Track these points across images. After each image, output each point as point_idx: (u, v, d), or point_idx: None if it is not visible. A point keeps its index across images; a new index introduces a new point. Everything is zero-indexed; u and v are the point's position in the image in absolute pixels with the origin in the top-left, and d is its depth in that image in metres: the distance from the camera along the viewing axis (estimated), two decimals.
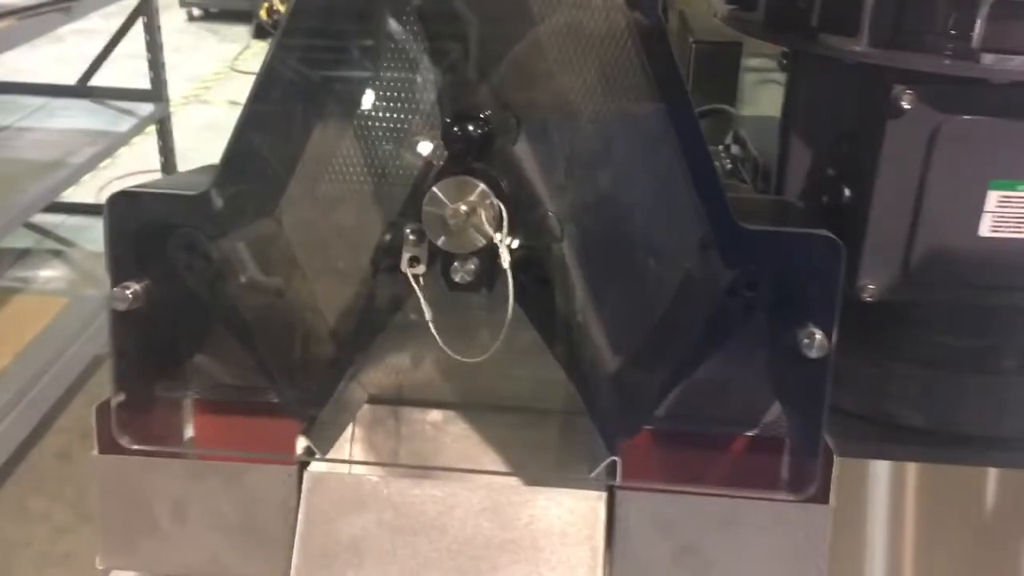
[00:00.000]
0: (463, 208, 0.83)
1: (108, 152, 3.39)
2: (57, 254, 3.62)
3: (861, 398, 1.15)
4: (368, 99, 0.95)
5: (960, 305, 1.10)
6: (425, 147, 0.91)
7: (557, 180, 0.94)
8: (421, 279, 0.89)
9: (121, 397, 0.94)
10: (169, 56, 3.85)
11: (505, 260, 0.84)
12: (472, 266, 0.87)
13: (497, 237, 0.84)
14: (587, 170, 0.95)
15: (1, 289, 3.29)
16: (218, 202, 0.91)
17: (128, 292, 0.90)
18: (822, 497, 0.90)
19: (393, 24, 0.93)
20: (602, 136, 0.93)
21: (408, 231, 0.88)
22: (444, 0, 0.89)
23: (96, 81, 3.81)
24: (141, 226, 0.91)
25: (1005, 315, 1.13)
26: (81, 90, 3.76)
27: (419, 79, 0.92)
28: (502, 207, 0.84)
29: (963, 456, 1.12)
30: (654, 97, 0.88)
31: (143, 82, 3.67)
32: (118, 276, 0.91)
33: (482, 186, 0.84)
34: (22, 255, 3.58)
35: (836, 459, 0.91)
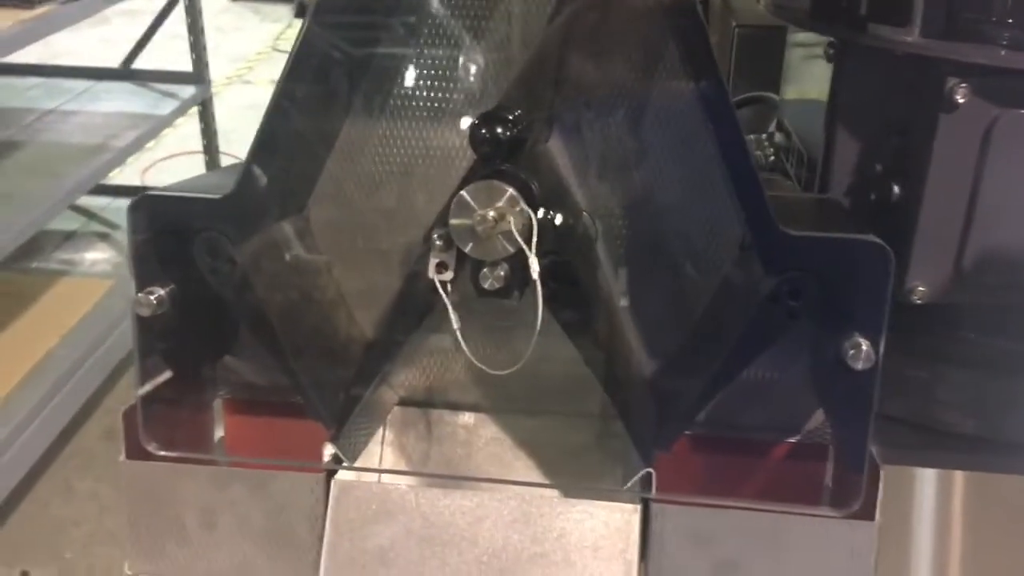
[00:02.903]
0: (491, 215, 0.80)
1: (151, 135, 3.42)
2: (102, 236, 3.66)
3: (908, 403, 1.10)
4: (398, 97, 0.93)
5: (1014, 307, 1.05)
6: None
7: (591, 179, 0.91)
8: (449, 285, 0.86)
9: (147, 403, 0.93)
10: (211, 36, 3.86)
11: (535, 270, 0.80)
12: (502, 272, 0.83)
13: (526, 247, 0.80)
14: (622, 168, 0.91)
15: (47, 271, 3.35)
16: (244, 203, 0.89)
17: (152, 297, 0.89)
18: (867, 513, 0.86)
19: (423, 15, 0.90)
20: (637, 131, 0.90)
21: (435, 236, 0.85)
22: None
23: (140, 62, 3.83)
24: (165, 230, 0.89)
25: None
26: (124, 73, 3.80)
27: (452, 71, 0.89)
28: (531, 214, 0.81)
29: (1015, 465, 1.08)
30: (690, 91, 0.85)
31: (186, 63, 3.68)
32: (142, 281, 0.90)
33: (511, 191, 0.80)
34: (68, 237, 3.62)
35: (882, 471, 0.87)
